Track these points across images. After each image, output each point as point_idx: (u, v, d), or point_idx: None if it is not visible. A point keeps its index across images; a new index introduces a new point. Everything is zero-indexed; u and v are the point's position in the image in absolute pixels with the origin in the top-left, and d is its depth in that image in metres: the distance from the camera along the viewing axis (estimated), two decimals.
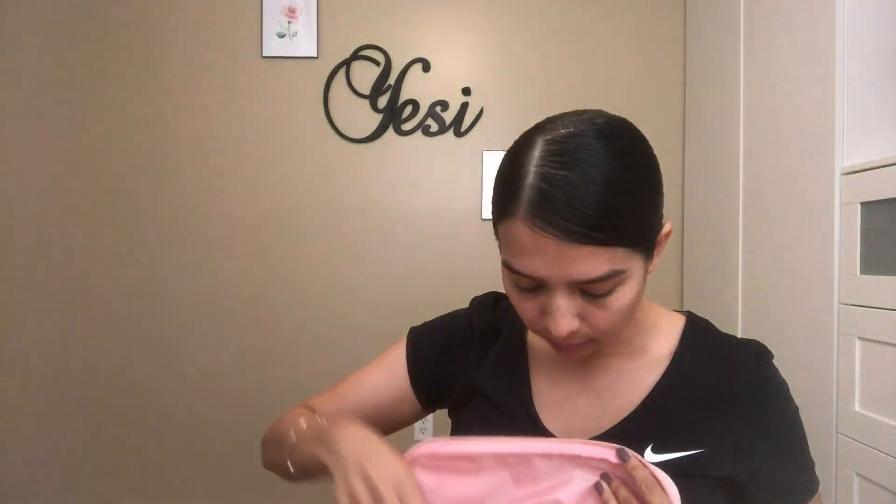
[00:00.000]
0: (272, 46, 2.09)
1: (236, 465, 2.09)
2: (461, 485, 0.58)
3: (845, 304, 1.22)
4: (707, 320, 0.73)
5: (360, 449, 0.57)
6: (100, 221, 2.11)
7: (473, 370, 0.76)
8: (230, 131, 2.12)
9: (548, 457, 0.56)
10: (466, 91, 2.11)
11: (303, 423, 0.68)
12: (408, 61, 2.11)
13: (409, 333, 0.83)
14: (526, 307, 0.62)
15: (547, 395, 0.71)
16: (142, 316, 2.11)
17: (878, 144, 1.23)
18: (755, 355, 0.69)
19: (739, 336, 0.81)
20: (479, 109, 2.11)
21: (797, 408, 0.69)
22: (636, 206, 0.58)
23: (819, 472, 0.69)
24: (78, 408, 2.10)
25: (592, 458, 0.56)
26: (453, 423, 0.79)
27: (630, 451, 0.56)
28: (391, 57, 2.11)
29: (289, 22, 2.09)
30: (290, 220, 2.12)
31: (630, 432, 0.64)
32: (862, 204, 1.18)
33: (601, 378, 0.70)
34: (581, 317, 0.60)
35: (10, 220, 2.10)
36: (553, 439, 0.62)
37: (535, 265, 0.57)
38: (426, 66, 2.11)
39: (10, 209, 2.10)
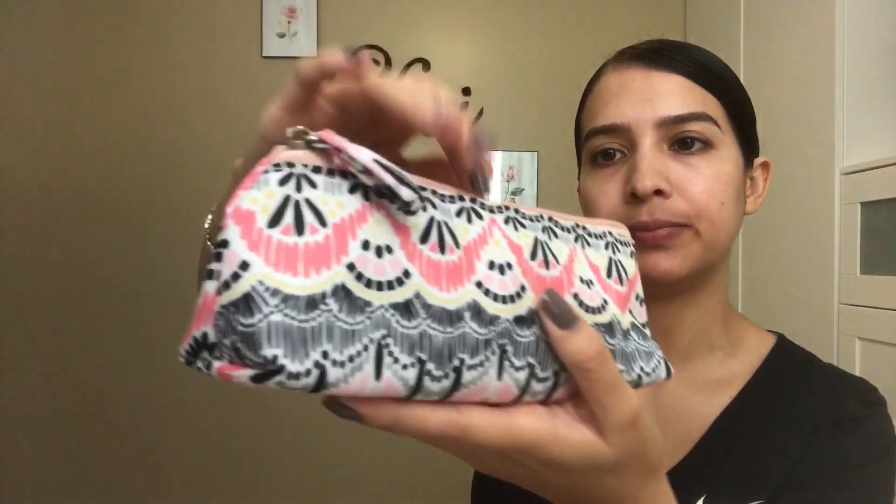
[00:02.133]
0: (272, 46, 2.09)
1: (239, 467, 2.09)
2: None
3: (845, 304, 1.22)
4: (804, 349, 0.61)
5: None
6: (99, 221, 2.11)
7: None
8: (230, 131, 2.11)
9: None
10: (466, 91, 2.11)
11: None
12: (408, 61, 2.11)
13: None
14: (608, 191, 0.54)
15: None
16: (142, 316, 2.11)
17: (878, 144, 1.23)
18: (853, 390, 0.55)
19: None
20: (479, 109, 2.11)
21: (890, 483, 0.52)
22: (732, 79, 0.56)
23: None
24: (77, 409, 2.10)
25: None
26: None
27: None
28: (391, 57, 2.11)
29: (289, 22, 2.09)
30: None
31: (683, 482, 0.52)
32: (862, 204, 1.18)
33: (667, 397, 0.59)
34: (673, 184, 0.52)
35: (8, 219, 2.10)
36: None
37: (621, 107, 0.54)
38: (426, 66, 2.11)
39: (9, 208, 2.10)
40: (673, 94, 0.52)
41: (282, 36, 2.09)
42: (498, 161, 2.10)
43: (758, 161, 0.60)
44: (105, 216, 2.11)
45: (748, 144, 0.57)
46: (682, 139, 0.52)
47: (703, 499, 0.53)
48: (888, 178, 1.11)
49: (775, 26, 1.49)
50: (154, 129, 2.11)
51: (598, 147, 0.55)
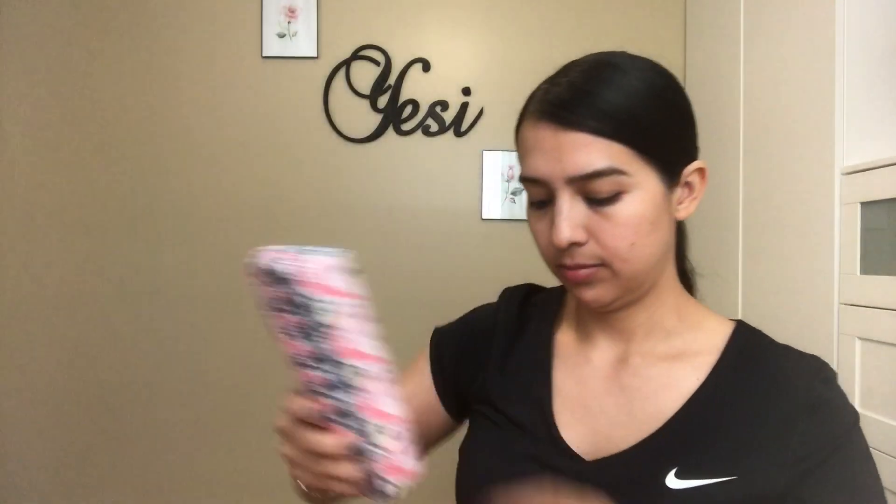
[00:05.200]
0: (272, 46, 2.09)
1: (239, 470, 2.09)
2: None
3: (845, 304, 1.22)
4: (761, 330, 0.66)
5: None
6: (98, 221, 2.11)
7: (492, 372, 0.70)
8: (230, 131, 2.11)
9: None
10: (466, 91, 2.11)
11: None
12: (408, 61, 2.11)
13: (433, 334, 0.78)
14: (541, 230, 0.61)
15: (570, 398, 0.65)
16: (142, 316, 2.11)
17: (878, 144, 1.23)
18: (813, 370, 0.60)
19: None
20: (479, 109, 2.11)
21: (866, 445, 0.59)
22: (646, 109, 0.57)
23: None
24: (78, 411, 2.10)
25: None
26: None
27: None
28: (391, 57, 2.11)
29: (289, 22, 2.09)
30: (290, 220, 2.12)
31: (656, 451, 0.58)
32: (862, 204, 1.18)
33: (633, 377, 0.63)
34: (588, 231, 0.57)
35: (8, 219, 2.10)
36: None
37: (536, 163, 0.59)
38: (426, 66, 2.11)
39: (8, 208, 2.10)
40: (578, 153, 0.56)
41: (282, 36, 2.09)
42: (498, 161, 2.10)
43: (692, 167, 0.62)
44: (105, 216, 2.11)
45: (671, 166, 0.60)
46: (592, 192, 0.57)
47: (674, 471, 0.56)
48: (888, 178, 1.11)
49: (775, 26, 1.49)
50: (154, 129, 2.11)
51: (527, 193, 0.62)
